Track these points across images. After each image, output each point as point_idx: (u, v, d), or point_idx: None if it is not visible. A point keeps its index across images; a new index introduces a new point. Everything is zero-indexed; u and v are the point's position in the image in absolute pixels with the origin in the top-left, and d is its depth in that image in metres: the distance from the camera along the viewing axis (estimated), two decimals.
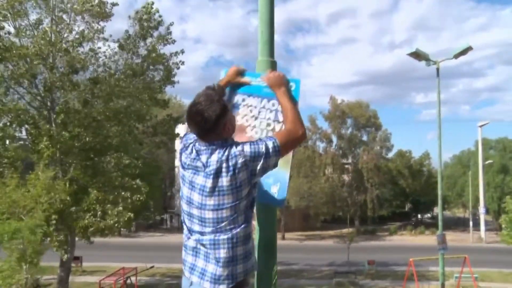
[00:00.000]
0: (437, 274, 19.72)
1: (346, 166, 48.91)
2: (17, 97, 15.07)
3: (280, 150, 2.11)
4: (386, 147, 49.09)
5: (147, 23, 15.51)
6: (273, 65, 2.59)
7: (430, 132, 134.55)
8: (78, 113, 14.73)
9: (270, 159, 2.09)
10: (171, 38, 16.22)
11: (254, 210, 2.32)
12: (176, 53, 16.42)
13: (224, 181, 2.04)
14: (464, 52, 15.46)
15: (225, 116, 2.12)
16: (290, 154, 2.37)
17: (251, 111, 2.44)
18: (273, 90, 2.36)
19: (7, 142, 14.13)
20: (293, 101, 2.33)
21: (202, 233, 2.09)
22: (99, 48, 15.39)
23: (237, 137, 2.27)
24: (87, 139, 14.36)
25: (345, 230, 43.65)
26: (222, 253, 2.06)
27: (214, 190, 2.05)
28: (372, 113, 47.94)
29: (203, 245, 2.08)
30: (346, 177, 47.89)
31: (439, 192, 15.51)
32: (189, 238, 2.15)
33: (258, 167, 2.07)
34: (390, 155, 51.23)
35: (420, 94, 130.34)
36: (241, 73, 2.52)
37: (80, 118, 14.59)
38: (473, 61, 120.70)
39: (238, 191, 2.05)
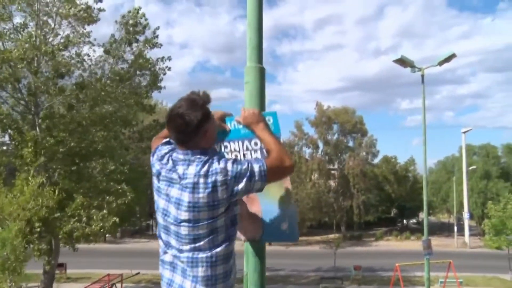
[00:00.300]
0: (422, 279, 19.89)
1: (332, 171, 49.13)
2: (0, 102, 14.84)
3: (266, 175, 2.00)
4: (372, 153, 49.50)
5: (133, 27, 15.45)
6: (261, 71, 2.59)
7: (415, 138, 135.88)
8: (63, 117, 14.56)
9: (254, 183, 1.99)
10: (157, 42, 16.17)
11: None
12: (163, 59, 16.37)
13: (201, 197, 1.94)
14: (448, 59, 15.72)
15: (207, 122, 2.03)
16: (290, 186, 2.36)
17: (236, 157, 2.37)
18: (251, 128, 2.25)
19: None
20: (274, 134, 2.24)
21: (180, 250, 2.00)
22: (86, 54, 15.27)
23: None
24: (72, 144, 14.19)
25: (331, 236, 43.80)
26: (201, 271, 1.97)
27: (189, 205, 1.95)
28: (358, 119, 48.33)
29: (181, 261, 2.00)
30: (332, 183, 48.10)
31: (424, 198, 15.68)
32: (165, 252, 2.07)
33: (239, 188, 1.97)
34: (376, 160, 51.70)
35: (405, 100, 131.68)
36: (224, 118, 2.43)
37: (65, 123, 14.43)
38: (457, 68, 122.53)
39: (215, 209, 1.95)
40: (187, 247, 1.98)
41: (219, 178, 1.94)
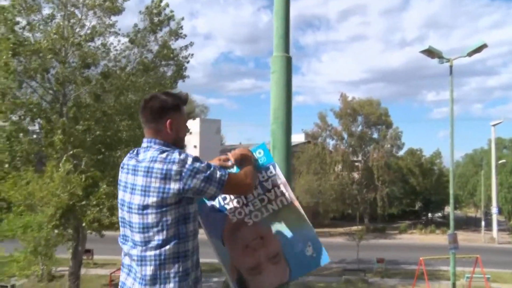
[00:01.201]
0: (447, 274, 19.59)
1: (356, 163, 48.65)
2: (30, 91, 15.20)
3: (224, 185, 2.02)
4: (396, 145, 48.69)
5: (157, 17, 15.56)
6: (288, 61, 2.55)
7: (442, 130, 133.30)
8: (89, 107, 14.83)
9: (209, 186, 1.99)
10: (182, 32, 16.25)
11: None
12: (186, 47, 16.49)
13: (153, 181, 1.93)
14: (478, 49, 15.25)
15: (171, 111, 2.11)
16: (297, 203, 2.27)
17: (238, 201, 2.33)
18: (244, 166, 2.27)
19: (21, 135, 14.27)
20: (268, 164, 2.34)
21: (133, 242, 1.99)
22: (111, 44, 15.48)
23: (241, 232, 2.25)
24: (98, 133, 14.45)
25: (354, 228, 43.48)
26: (149, 270, 1.93)
27: (141, 188, 1.95)
28: (383, 111, 47.57)
29: (133, 259, 1.98)
30: (356, 175, 47.66)
31: (451, 191, 15.35)
32: (125, 255, 2.06)
33: (192, 184, 1.95)
34: (401, 153, 50.86)
35: (431, 92, 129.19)
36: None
37: (91, 112, 14.69)
38: (487, 58, 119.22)
39: (164, 198, 1.92)
40: (138, 237, 1.96)
41: (175, 167, 1.94)
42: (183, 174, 1.94)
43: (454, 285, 13.44)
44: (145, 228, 1.95)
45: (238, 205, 2.31)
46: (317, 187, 40.55)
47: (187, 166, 1.96)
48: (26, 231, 3.41)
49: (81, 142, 13.94)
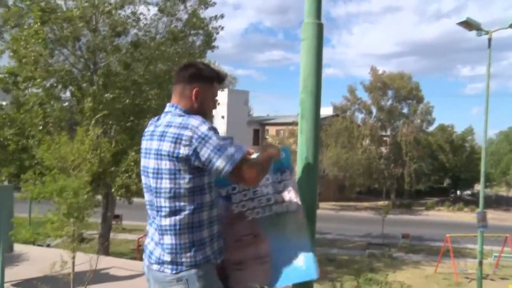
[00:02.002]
0: (474, 252, 19.35)
1: (385, 138, 47.99)
2: (62, 59, 15.44)
3: (235, 164, 1.88)
4: (427, 121, 47.63)
5: None
6: (320, 28, 2.45)
7: (475, 106, 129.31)
8: (118, 75, 14.99)
9: (219, 159, 1.87)
10: (211, 1, 16.08)
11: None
12: (216, 17, 16.31)
13: (164, 145, 1.92)
14: None
15: (202, 80, 2.09)
16: (301, 215, 2.18)
17: (245, 194, 2.27)
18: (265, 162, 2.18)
19: (53, 102, 14.60)
20: (284, 167, 2.25)
21: (155, 212, 2.00)
22: (141, 13, 15.46)
23: (236, 225, 2.20)
24: (127, 101, 14.65)
25: (380, 203, 43.31)
26: (166, 239, 1.96)
27: (155, 152, 1.96)
28: (414, 85, 46.39)
29: (154, 227, 2.02)
30: (384, 150, 47.08)
31: (482, 169, 14.94)
32: (148, 220, 2.10)
33: (201, 152, 1.88)
34: (431, 129, 49.81)
35: (466, 67, 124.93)
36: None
37: (121, 80, 14.86)
38: None
39: (177, 162, 1.90)
40: (155, 202, 1.98)
41: (186, 132, 1.90)
42: (193, 140, 1.89)
43: (481, 263, 13.26)
44: (160, 193, 1.96)
45: (244, 198, 2.27)
46: (344, 160, 40.30)
47: (199, 133, 1.90)
48: (61, 195, 3.55)
49: (110, 109, 14.17)
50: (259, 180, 2.07)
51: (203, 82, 2.10)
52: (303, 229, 2.18)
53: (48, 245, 15.16)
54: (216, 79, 2.15)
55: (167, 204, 1.95)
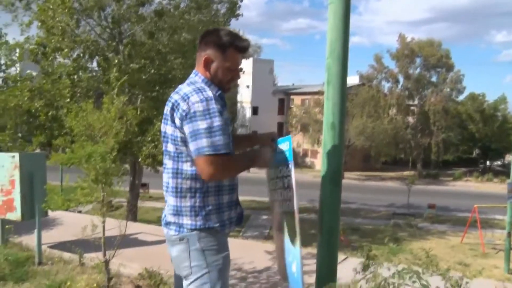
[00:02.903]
0: (502, 223, 19.04)
1: (412, 107, 47.00)
2: (88, 29, 15.55)
3: (214, 154, 1.85)
4: (457, 89, 46.23)
5: None
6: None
7: (509, 74, 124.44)
8: (143, 45, 15.02)
9: (191, 142, 1.89)
10: None
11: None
12: None
13: (168, 110, 2.00)
14: None
15: (214, 48, 2.01)
16: (297, 221, 2.04)
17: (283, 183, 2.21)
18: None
19: (80, 72, 14.80)
20: (286, 161, 2.12)
21: (165, 172, 2.08)
22: None
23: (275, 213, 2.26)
24: (152, 71, 14.72)
25: (406, 173, 42.84)
26: (170, 200, 2.04)
27: (164, 117, 2.05)
28: (444, 53, 44.87)
29: (165, 187, 2.09)
30: (410, 119, 46.19)
31: None
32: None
33: (185, 129, 1.91)
34: (461, 98, 48.38)
35: (501, 32, 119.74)
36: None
37: (146, 50, 14.90)
38: None
39: (174, 128, 1.96)
40: (165, 162, 2.07)
41: (182, 104, 1.92)
42: (184, 114, 1.90)
43: (509, 234, 13.06)
44: (166, 155, 2.05)
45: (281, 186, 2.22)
46: (370, 130, 39.81)
47: (191, 110, 1.89)
48: (89, 160, 3.65)
49: (136, 79, 14.29)
50: (217, 179, 1.97)
51: (215, 49, 2.02)
52: (296, 233, 2.06)
53: (80, 212, 15.73)
54: (231, 46, 2.02)
55: (170, 166, 2.02)
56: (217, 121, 1.87)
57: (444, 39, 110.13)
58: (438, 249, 18.14)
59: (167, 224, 2.06)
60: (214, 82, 2.02)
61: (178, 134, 1.95)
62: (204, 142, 1.86)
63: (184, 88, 2.00)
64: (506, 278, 11.90)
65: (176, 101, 1.96)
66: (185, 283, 2.01)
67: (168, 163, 2.04)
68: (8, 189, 5.16)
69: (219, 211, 2.01)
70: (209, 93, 1.93)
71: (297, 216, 2.03)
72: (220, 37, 2.00)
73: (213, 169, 1.86)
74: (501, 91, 66.48)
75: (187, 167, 1.98)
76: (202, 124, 1.86)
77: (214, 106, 1.88)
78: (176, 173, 2.00)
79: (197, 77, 2.06)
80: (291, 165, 2.09)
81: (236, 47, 2.03)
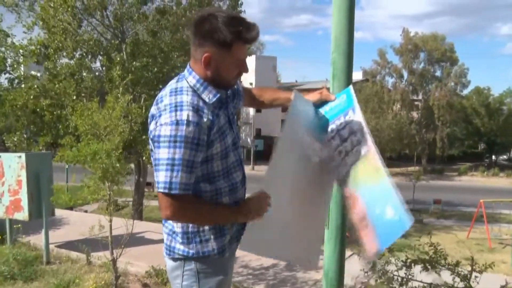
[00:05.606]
0: (509, 217, 19.01)
1: (416, 102, 46.83)
2: (91, 29, 15.57)
3: (166, 193, 1.58)
4: (461, 84, 45.98)
5: None
6: None
7: None
8: (146, 44, 15.04)
9: (155, 172, 1.64)
10: None
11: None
12: None
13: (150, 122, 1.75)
14: None
15: (216, 45, 1.62)
16: (376, 156, 1.95)
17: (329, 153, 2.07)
18: None
19: (84, 73, 14.83)
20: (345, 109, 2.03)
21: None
22: None
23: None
24: (155, 69, 14.74)
25: (411, 168, 42.72)
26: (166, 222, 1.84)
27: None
28: (448, 47, 44.62)
29: None
30: (415, 114, 46.04)
31: None
32: None
33: (153, 152, 1.70)
34: (466, 92, 48.12)
35: (506, 25, 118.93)
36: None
37: (148, 49, 14.91)
38: None
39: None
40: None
41: (152, 123, 1.71)
42: (150, 134, 1.70)
43: None
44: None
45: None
46: (374, 125, 39.72)
47: (157, 132, 1.62)
48: (95, 158, 3.66)
49: (139, 78, 14.31)
50: (175, 220, 1.73)
51: (216, 47, 1.63)
52: (380, 170, 1.91)
53: (86, 211, 15.81)
54: (238, 39, 1.63)
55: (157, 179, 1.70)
56: (181, 153, 1.55)
57: (448, 32, 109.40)
58: (444, 244, 18.04)
59: (165, 244, 1.87)
60: (214, 81, 1.70)
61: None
62: (161, 175, 1.59)
63: (165, 98, 1.70)
64: None
65: (153, 115, 1.73)
66: None
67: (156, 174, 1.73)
68: (16, 189, 5.20)
69: (217, 236, 1.76)
70: (185, 113, 1.59)
71: (373, 150, 1.93)
72: (223, 33, 1.59)
73: (168, 210, 1.60)
74: (507, 85, 65.83)
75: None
76: (164, 153, 1.58)
77: (183, 133, 1.56)
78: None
79: (190, 76, 1.72)
80: (353, 109, 2.02)
81: (244, 40, 1.65)
